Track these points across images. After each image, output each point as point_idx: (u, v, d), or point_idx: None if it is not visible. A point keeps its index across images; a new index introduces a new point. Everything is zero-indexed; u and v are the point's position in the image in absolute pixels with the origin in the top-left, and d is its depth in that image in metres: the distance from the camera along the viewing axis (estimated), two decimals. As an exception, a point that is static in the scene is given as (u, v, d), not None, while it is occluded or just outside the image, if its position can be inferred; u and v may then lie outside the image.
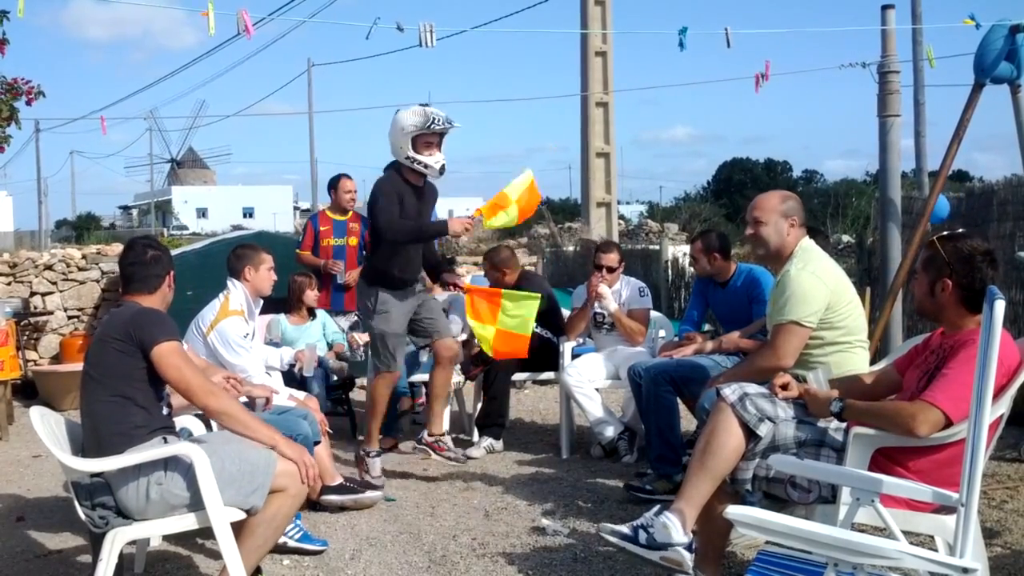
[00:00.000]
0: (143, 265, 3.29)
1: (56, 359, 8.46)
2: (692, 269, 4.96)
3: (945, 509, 2.74)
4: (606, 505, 4.52)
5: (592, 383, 5.41)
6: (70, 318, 8.73)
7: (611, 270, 5.60)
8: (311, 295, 6.18)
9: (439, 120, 4.60)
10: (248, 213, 63.89)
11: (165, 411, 3.26)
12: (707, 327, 5.45)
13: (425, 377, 5.94)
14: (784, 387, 3.15)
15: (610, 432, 5.35)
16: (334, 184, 6.93)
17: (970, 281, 2.82)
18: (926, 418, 2.68)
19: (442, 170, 4.71)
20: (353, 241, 6.85)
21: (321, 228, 6.86)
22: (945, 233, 2.99)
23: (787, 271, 3.60)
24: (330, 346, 6.24)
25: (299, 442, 3.68)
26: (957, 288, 2.84)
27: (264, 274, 4.56)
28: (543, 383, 7.78)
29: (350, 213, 6.94)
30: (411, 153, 4.62)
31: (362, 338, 6.17)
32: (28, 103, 7.31)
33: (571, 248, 15.95)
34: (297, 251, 6.95)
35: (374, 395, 4.91)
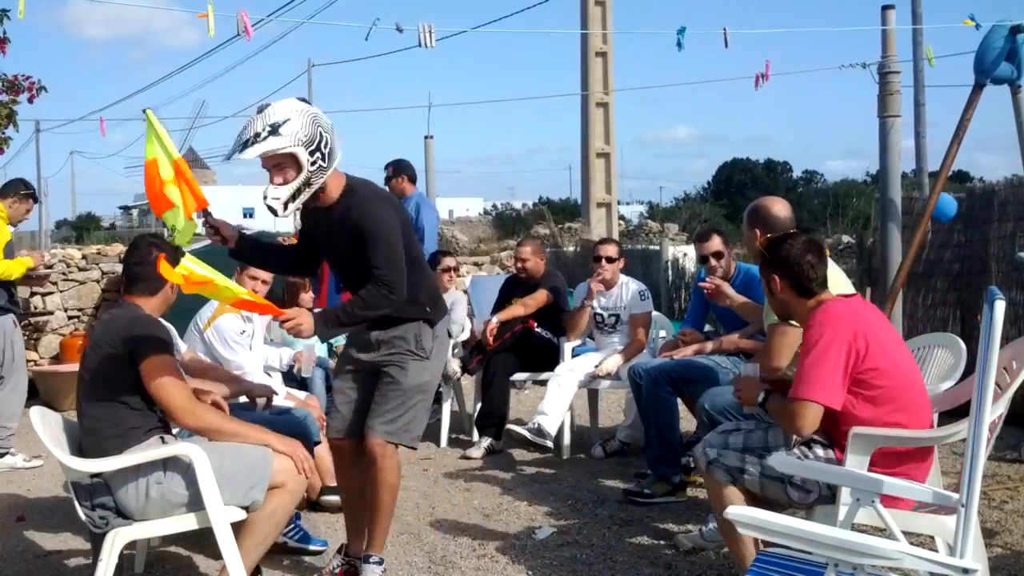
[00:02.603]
0: (148, 265, 3.25)
1: (56, 359, 8.45)
2: (693, 269, 4.94)
3: (944, 509, 2.74)
4: (606, 505, 4.52)
5: (580, 378, 5.43)
6: (70, 318, 8.72)
7: (610, 260, 5.60)
8: (306, 297, 6.17)
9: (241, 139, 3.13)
10: (248, 213, 63.74)
11: (160, 413, 3.26)
12: (707, 328, 5.44)
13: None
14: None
15: (546, 425, 5.24)
16: None
17: (791, 270, 3.06)
18: (804, 415, 2.81)
19: (275, 211, 3.19)
20: None
21: None
22: (768, 236, 3.26)
23: None
24: (330, 346, 6.24)
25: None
26: (784, 279, 3.08)
27: (243, 280, 4.59)
28: (543, 383, 7.76)
29: None
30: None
31: None
32: (30, 100, 7.29)
33: (571, 248, 15.94)
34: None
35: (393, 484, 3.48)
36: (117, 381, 3.07)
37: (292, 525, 3.81)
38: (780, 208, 3.83)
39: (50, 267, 5.99)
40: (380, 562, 3.49)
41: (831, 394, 2.80)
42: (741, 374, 3.31)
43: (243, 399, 4.17)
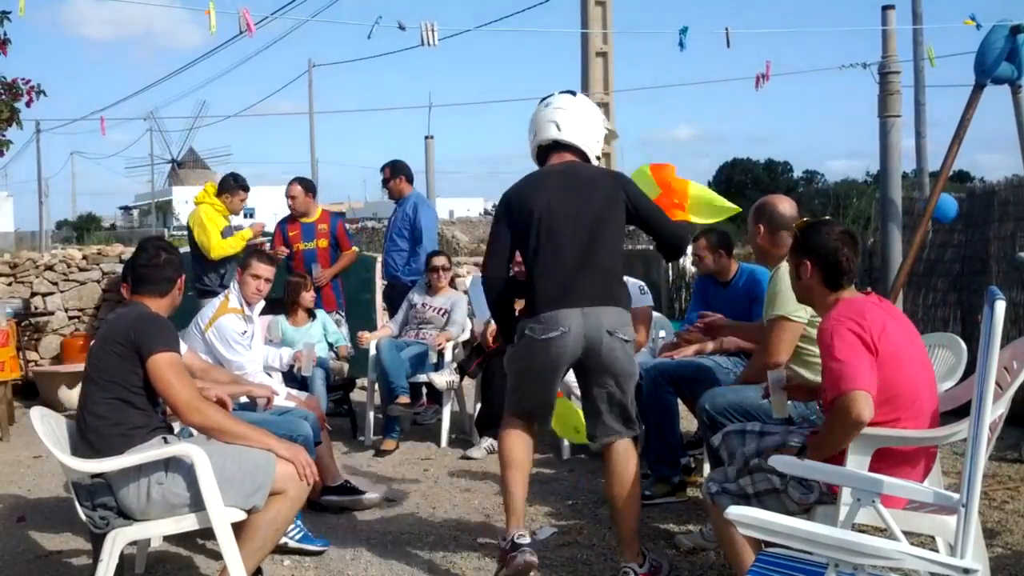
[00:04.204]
0: (156, 268, 3.28)
1: (57, 360, 8.46)
2: (694, 268, 4.94)
3: (945, 509, 2.74)
4: (606, 505, 4.50)
5: None
6: (71, 319, 8.73)
7: None
8: (307, 296, 6.18)
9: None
10: (248, 213, 63.48)
11: (161, 415, 3.26)
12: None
13: (424, 378, 5.96)
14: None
15: None
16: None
17: (825, 260, 2.99)
18: (859, 403, 2.67)
19: None
20: (323, 243, 6.78)
21: (290, 233, 6.81)
22: (805, 220, 3.18)
23: (777, 268, 3.70)
24: (331, 346, 6.24)
25: (300, 443, 3.69)
26: (816, 268, 3.02)
27: (245, 279, 4.58)
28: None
29: (318, 213, 6.89)
30: (600, 152, 3.69)
31: (373, 336, 6.18)
32: (28, 104, 7.30)
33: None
34: None
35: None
36: (123, 379, 3.08)
37: (294, 525, 3.81)
38: (786, 206, 3.87)
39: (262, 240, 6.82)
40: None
41: (870, 381, 2.72)
42: (769, 383, 3.25)
43: (244, 399, 4.18)
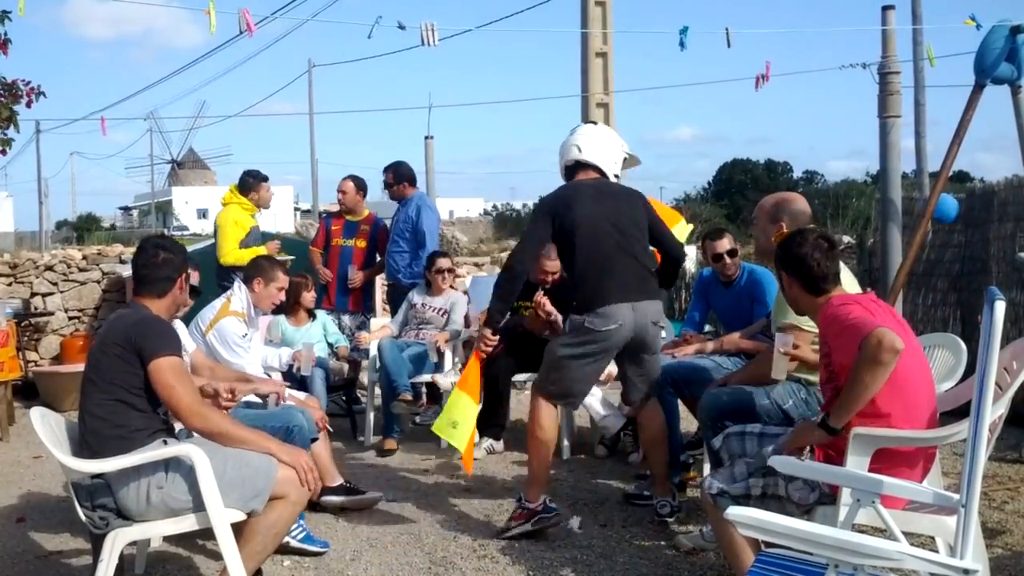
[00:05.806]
0: (154, 267, 3.26)
1: (57, 360, 8.47)
2: (694, 269, 4.94)
3: (945, 509, 2.74)
4: (607, 506, 4.52)
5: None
6: (71, 319, 8.73)
7: None
8: (308, 297, 6.18)
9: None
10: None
11: (163, 416, 3.25)
12: (708, 328, 5.44)
13: (428, 378, 5.96)
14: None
15: (615, 426, 5.35)
16: None
17: (796, 269, 3.07)
18: (882, 338, 2.63)
19: None
20: (361, 243, 6.83)
21: (333, 227, 6.90)
22: (784, 232, 3.24)
23: None
24: (331, 346, 6.24)
25: (296, 433, 3.70)
26: (795, 278, 3.10)
27: (271, 291, 4.58)
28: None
29: (365, 214, 6.93)
30: (618, 171, 4.30)
31: (370, 337, 6.18)
32: (28, 105, 7.29)
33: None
34: (311, 247, 7.07)
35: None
36: (123, 381, 3.06)
37: (295, 525, 3.80)
38: (803, 204, 3.87)
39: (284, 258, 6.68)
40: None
41: (878, 323, 2.70)
42: (776, 343, 3.36)
43: (251, 396, 4.17)
